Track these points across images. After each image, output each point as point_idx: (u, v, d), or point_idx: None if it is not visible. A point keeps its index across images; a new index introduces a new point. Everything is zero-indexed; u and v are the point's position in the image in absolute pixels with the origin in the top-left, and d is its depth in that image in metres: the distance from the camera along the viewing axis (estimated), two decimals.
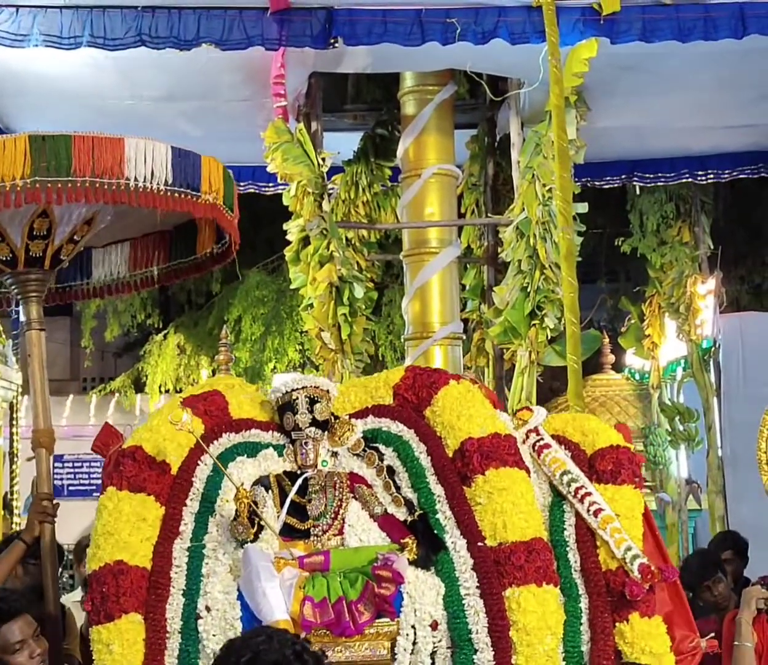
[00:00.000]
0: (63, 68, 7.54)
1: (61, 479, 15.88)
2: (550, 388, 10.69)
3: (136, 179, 4.10)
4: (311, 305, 7.85)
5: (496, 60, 7.61)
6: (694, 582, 5.89)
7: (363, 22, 7.00)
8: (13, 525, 9.30)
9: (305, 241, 7.87)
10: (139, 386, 16.86)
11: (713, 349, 10.52)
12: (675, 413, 10.82)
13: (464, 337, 8.91)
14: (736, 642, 3.91)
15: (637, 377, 11.51)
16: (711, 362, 10.65)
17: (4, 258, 4.53)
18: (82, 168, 4.02)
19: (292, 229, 7.98)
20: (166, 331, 16.75)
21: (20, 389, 9.82)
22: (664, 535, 8.70)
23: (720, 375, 10.34)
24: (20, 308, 4.79)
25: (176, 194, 4.22)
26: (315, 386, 4.54)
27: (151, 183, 4.13)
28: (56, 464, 15.10)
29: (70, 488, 15.93)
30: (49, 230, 4.46)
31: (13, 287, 4.67)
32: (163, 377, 15.98)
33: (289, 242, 8.06)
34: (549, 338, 7.80)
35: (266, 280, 15.84)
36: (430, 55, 7.32)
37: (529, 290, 7.69)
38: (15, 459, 9.96)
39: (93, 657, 4.01)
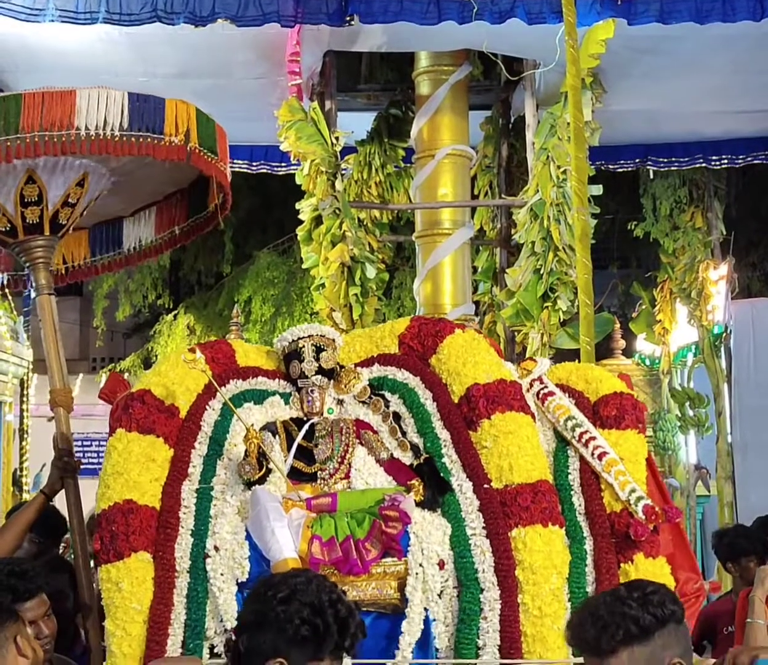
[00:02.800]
0: (77, 44, 7.53)
1: None
2: None
3: (87, 128, 4.12)
4: (323, 285, 7.85)
5: (513, 40, 7.58)
6: (738, 552, 5.80)
7: (379, 0, 6.97)
8: (22, 502, 9.31)
9: (318, 220, 7.87)
10: (148, 366, 16.82)
11: (724, 335, 10.49)
12: (685, 399, 10.81)
13: (476, 319, 8.88)
14: (748, 620, 3.90)
15: (647, 362, 11.50)
16: (722, 348, 10.63)
17: (4, 229, 4.59)
18: (30, 124, 4.07)
19: (305, 208, 7.97)
20: (176, 311, 16.77)
21: (31, 366, 9.84)
22: None
23: (731, 361, 10.30)
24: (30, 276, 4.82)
25: (133, 139, 4.20)
26: (321, 335, 4.60)
27: (104, 130, 4.14)
28: None
29: (80, 466, 15.90)
30: (40, 196, 4.50)
31: (20, 255, 4.72)
32: None
33: (299, 223, 8.06)
34: (561, 320, 7.79)
35: (277, 261, 15.84)
36: (446, 35, 7.30)
37: (542, 272, 7.68)
38: (25, 436, 9.98)
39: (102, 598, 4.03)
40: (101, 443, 16.14)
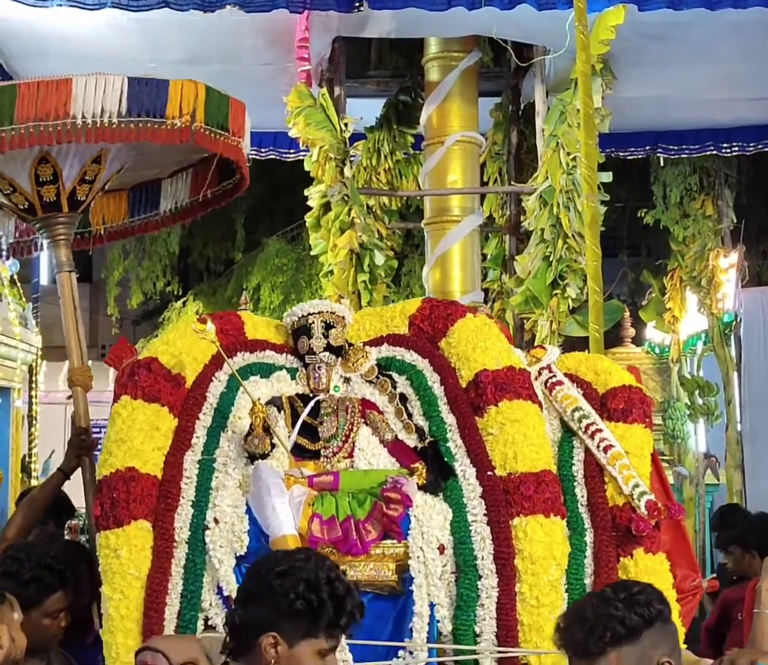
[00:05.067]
0: (85, 30, 7.51)
1: None
2: None
3: (84, 116, 4.10)
4: (331, 272, 7.84)
5: (522, 26, 7.54)
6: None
7: None
8: (31, 488, 9.31)
9: (326, 207, 7.86)
10: None
11: (734, 323, 10.46)
12: (694, 387, 10.78)
13: (486, 305, 8.85)
14: (755, 610, 3.87)
15: (657, 350, 11.45)
16: (732, 337, 10.60)
17: (23, 207, 4.60)
18: (25, 115, 4.06)
19: (314, 195, 7.96)
20: (185, 298, 16.79)
21: (40, 353, 9.84)
22: None
23: (740, 349, 10.29)
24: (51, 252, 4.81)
25: (132, 125, 4.17)
26: (331, 312, 4.59)
27: (101, 118, 4.12)
28: None
29: (96, 445, 15.92)
30: (55, 175, 4.50)
31: (41, 231, 4.73)
32: None
33: (308, 210, 8.05)
34: (571, 308, 7.77)
35: (285, 248, 15.85)
36: (456, 21, 7.26)
37: (551, 259, 7.66)
38: (33, 422, 9.99)
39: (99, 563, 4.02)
40: None
